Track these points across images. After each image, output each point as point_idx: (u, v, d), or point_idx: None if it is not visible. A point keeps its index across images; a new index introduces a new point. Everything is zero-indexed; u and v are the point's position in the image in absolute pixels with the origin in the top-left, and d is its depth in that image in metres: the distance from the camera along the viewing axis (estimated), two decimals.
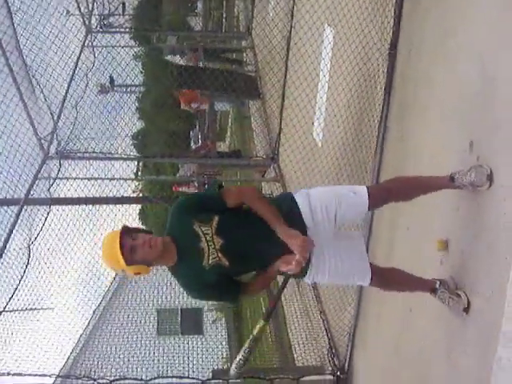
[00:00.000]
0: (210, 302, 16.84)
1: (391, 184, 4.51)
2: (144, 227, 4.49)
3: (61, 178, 9.83)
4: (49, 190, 9.44)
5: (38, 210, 9.39)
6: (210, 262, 4.01)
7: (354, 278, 4.51)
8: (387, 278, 4.62)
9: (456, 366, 4.62)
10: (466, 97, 4.66)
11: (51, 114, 9.62)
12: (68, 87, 10.30)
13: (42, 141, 9.52)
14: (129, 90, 17.62)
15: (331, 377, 8.33)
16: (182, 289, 4.32)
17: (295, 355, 9.95)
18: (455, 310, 4.38)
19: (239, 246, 4.03)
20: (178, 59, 19.89)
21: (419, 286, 4.71)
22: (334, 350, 8.52)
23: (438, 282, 4.53)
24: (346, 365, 8.11)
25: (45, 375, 8.15)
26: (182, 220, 4.08)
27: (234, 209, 4.09)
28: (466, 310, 4.28)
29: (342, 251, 4.30)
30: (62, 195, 10.08)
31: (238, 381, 8.78)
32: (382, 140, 6.66)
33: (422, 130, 5.62)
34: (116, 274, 4.25)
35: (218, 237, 3.99)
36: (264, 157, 11.83)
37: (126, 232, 3.95)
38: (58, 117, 9.76)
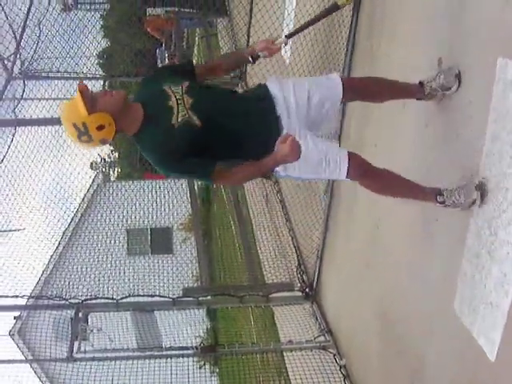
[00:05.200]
0: (180, 221, 16.86)
1: (364, 77, 4.52)
2: None
3: (26, 99, 9.68)
4: (14, 111, 9.30)
5: (4, 131, 9.28)
6: (180, 119, 3.81)
7: (327, 168, 3.95)
8: (367, 166, 4.11)
9: (422, 281, 4.73)
10: (435, 10, 4.60)
11: (13, 33, 9.39)
12: (30, 5, 10.02)
13: (5, 61, 9.33)
14: (93, 7, 17.19)
15: (300, 293, 8.49)
16: (148, 158, 3.94)
17: (264, 272, 10.08)
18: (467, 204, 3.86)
19: (211, 108, 3.89)
20: None
21: (421, 193, 4.21)
22: (302, 267, 8.65)
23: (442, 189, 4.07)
24: (315, 281, 8.25)
25: (17, 296, 8.21)
26: (151, 85, 4.00)
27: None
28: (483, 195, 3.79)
29: (316, 140, 4.01)
30: (27, 116, 9.93)
31: (209, 298, 8.92)
32: (350, 56, 6.62)
33: (391, 47, 5.57)
34: (81, 148, 4.00)
35: (189, 96, 3.86)
36: (231, 75, 11.70)
37: (87, 89, 3.73)
38: (21, 36, 9.52)
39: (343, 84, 4.09)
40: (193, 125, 3.80)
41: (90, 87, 3.77)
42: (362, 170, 4.05)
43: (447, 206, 3.98)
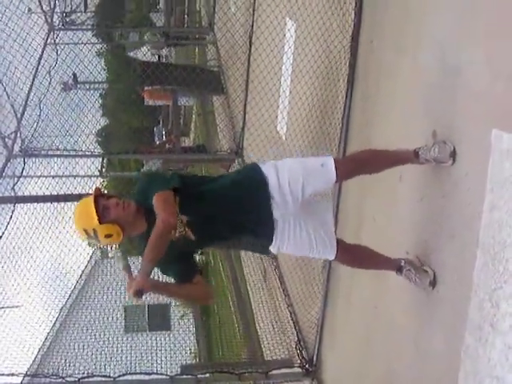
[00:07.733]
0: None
1: (359, 155, 4.59)
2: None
3: (25, 176, 9.75)
4: (13, 188, 9.35)
5: (3, 208, 9.31)
6: (177, 234, 4.12)
7: (318, 251, 4.51)
8: (353, 254, 4.74)
9: (425, 354, 4.67)
10: (427, 86, 4.69)
11: (14, 112, 9.53)
12: (31, 85, 10.20)
13: (6, 139, 9.43)
14: (92, 86, 17.48)
15: (300, 369, 8.37)
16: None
17: (264, 349, 9.96)
18: (422, 286, 4.43)
19: (207, 224, 4.18)
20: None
21: (385, 265, 4.78)
22: (302, 343, 8.55)
23: (404, 261, 4.58)
24: (315, 357, 8.14)
25: (13, 374, 8.08)
26: (150, 199, 4.12)
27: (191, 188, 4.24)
28: (433, 283, 4.35)
29: (309, 223, 4.39)
30: (26, 193, 9.99)
31: (207, 375, 8.79)
32: (346, 132, 6.70)
33: (385, 122, 5.65)
34: (87, 243, 4.44)
35: (182, 215, 4.11)
36: (228, 151, 11.80)
37: (100, 194, 4.08)
38: (22, 115, 9.66)
39: (338, 168, 4.23)
40: (188, 239, 4.21)
41: (102, 189, 4.21)
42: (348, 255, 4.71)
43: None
